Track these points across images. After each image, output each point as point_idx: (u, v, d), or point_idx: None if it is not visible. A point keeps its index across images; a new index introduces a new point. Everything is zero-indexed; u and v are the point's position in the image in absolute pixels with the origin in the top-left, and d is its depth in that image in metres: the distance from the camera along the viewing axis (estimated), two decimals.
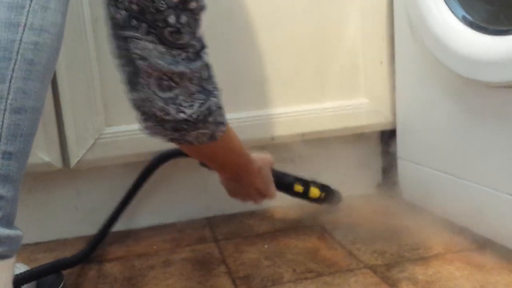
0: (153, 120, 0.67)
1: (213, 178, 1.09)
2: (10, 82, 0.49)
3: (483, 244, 0.86)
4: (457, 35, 0.84)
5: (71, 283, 0.83)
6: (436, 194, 0.98)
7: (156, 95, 0.63)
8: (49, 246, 1.01)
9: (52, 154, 0.97)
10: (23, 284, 0.75)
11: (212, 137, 0.71)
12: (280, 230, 1.00)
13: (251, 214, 1.09)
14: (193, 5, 0.61)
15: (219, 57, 1.03)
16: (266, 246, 0.92)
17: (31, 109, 0.51)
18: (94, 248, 0.93)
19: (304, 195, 1.01)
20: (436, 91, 0.95)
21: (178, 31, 0.61)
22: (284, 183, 0.98)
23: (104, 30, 0.96)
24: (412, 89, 1.03)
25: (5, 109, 0.49)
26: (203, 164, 0.92)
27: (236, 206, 1.10)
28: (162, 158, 0.97)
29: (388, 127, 1.13)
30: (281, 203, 1.11)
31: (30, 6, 0.50)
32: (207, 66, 0.67)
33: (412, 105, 1.04)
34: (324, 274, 0.80)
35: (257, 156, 0.88)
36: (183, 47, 0.62)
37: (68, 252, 0.94)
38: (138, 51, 0.60)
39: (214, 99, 0.69)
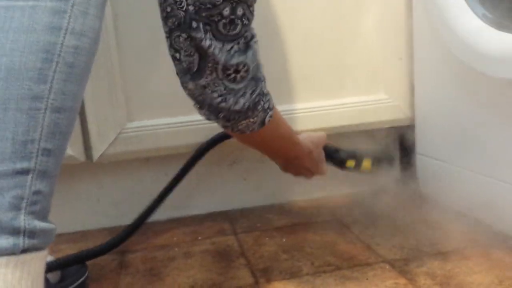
0: (207, 109, 0.69)
1: (232, 172, 1.10)
2: (52, 83, 0.51)
3: (502, 239, 0.85)
4: (477, 32, 0.84)
5: (94, 273, 0.85)
6: (455, 189, 0.98)
7: (221, 80, 0.65)
8: (72, 237, 1.03)
9: (76, 148, 0.99)
10: (46, 273, 0.77)
11: (262, 124, 0.73)
12: (299, 224, 1.01)
13: (270, 207, 1.10)
14: None
15: None
16: (284, 240, 0.93)
17: (69, 109, 0.53)
18: (125, 239, 0.94)
19: (357, 169, 1.01)
20: (455, 87, 0.95)
21: (231, 22, 0.63)
22: (336, 160, 0.99)
23: (125, 26, 0.99)
24: (431, 85, 1.03)
25: (46, 108, 0.51)
26: None
27: (255, 200, 1.12)
28: (214, 141, 0.98)
29: (407, 123, 1.13)
30: (300, 197, 1.12)
31: (71, 11, 0.52)
32: (257, 55, 0.69)
33: (431, 101, 1.04)
34: (343, 267, 0.81)
35: (308, 137, 0.90)
36: (235, 39, 0.64)
37: (90, 243, 0.96)
38: (203, 47, 0.63)
39: (262, 85, 0.71)
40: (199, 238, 0.97)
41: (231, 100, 0.68)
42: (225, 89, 0.67)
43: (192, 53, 0.64)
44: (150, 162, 1.06)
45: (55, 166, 0.53)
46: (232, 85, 0.66)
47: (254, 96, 0.70)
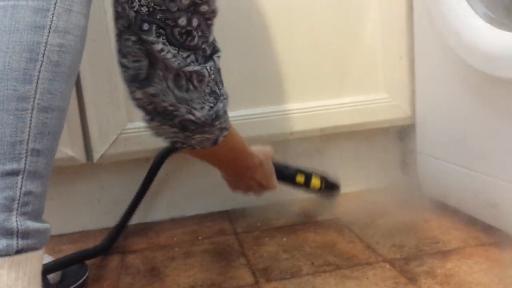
0: (160, 119, 0.67)
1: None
2: (37, 83, 0.51)
3: (502, 238, 0.85)
4: (478, 31, 0.83)
5: (95, 274, 0.85)
6: (455, 188, 0.98)
7: (171, 90, 0.63)
8: (72, 237, 1.03)
9: (76, 149, 0.99)
10: (48, 274, 0.77)
11: (215, 142, 0.72)
12: (298, 223, 1.01)
13: (270, 207, 1.10)
14: (204, 8, 0.61)
15: (240, 54, 1.05)
16: (284, 239, 0.93)
17: (57, 108, 0.53)
18: (116, 239, 0.95)
19: (306, 186, 1.01)
20: (455, 86, 0.95)
21: (188, 33, 0.61)
22: (286, 174, 0.98)
23: None
24: (432, 84, 1.02)
25: (32, 109, 0.51)
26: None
27: (255, 199, 1.11)
28: (166, 154, 0.98)
29: (407, 122, 1.13)
30: (299, 197, 1.12)
31: (54, 9, 0.52)
32: (218, 70, 0.67)
33: (432, 100, 1.04)
34: (343, 267, 0.81)
35: (258, 149, 0.88)
36: (193, 49, 0.62)
37: (91, 244, 0.96)
38: (153, 51, 0.61)
39: (221, 103, 0.69)
40: (199, 238, 0.98)
41: (183, 110, 0.65)
42: (175, 98, 0.64)
43: (141, 58, 0.62)
44: (150, 161, 1.06)
45: (46, 166, 0.53)
46: (182, 94, 0.64)
47: (212, 112, 0.67)
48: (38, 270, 0.52)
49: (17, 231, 0.49)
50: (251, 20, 1.04)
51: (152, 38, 0.60)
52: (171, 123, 0.67)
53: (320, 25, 1.07)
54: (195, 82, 0.64)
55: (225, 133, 0.72)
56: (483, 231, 0.89)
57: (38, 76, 0.51)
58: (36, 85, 0.51)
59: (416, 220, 0.97)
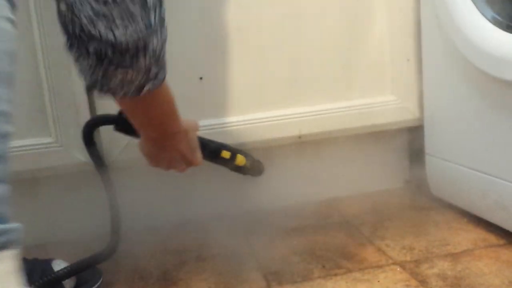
0: (77, 45, 0.59)
1: (241, 174, 1.10)
2: None
3: None
4: (486, 34, 0.84)
5: (109, 278, 0.87)
6: (464, 190, 0.98)
7: (87, 1, 0.56)
8: (83, 242, 1.04)
9: (87, 154, 1.00)
10: (63, 280, 0.78)
11: (139, 90, 0.64)
12: (309, 226, 1.02)
13: (280, 210, 1.11)
14: None
15: (248, 57, 1.05)
16: (295, 242, 0.94)
17: None
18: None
19: (231, 162, 0.99)
20: (463, 88, 0.95)
21: None
22: (211, 149, 0.95)
23: None
24: (440, 86, 1.03)
25: None
26: (119, 130, 0.88)
27: (265, 202, 1.12)
28: (90, 126, 0.94)
29: (415, 124, 1.13)
30: (309, 199, 1.13)
31: None
32: None
33: (440, 102, 1.04)
34: (354, 270, 0.82)
35: (183, 120, 0.81)
36: None
37: (100, 248, 0.97)
38: None
39: (155, 37, 0.60)
40: (210, 241, 0.98)
41: (101, 26, 0.56)
42: (92, 11, 0.56)
43: None
44: None
45: None
46: (100, 7, 0.56)
47: (135, 36, 0.58)
48: (9, 270, 0.48)
49: None
50: (259, 24, 1.05)
51: None
52: (87, 52, 0.59)
53: (327, 28, 1.08)
54: None
55: (154, 81, 0.64)
56: (493, 233, 0.90)
57: None
58: None
59: (425, 222, 0.97)
